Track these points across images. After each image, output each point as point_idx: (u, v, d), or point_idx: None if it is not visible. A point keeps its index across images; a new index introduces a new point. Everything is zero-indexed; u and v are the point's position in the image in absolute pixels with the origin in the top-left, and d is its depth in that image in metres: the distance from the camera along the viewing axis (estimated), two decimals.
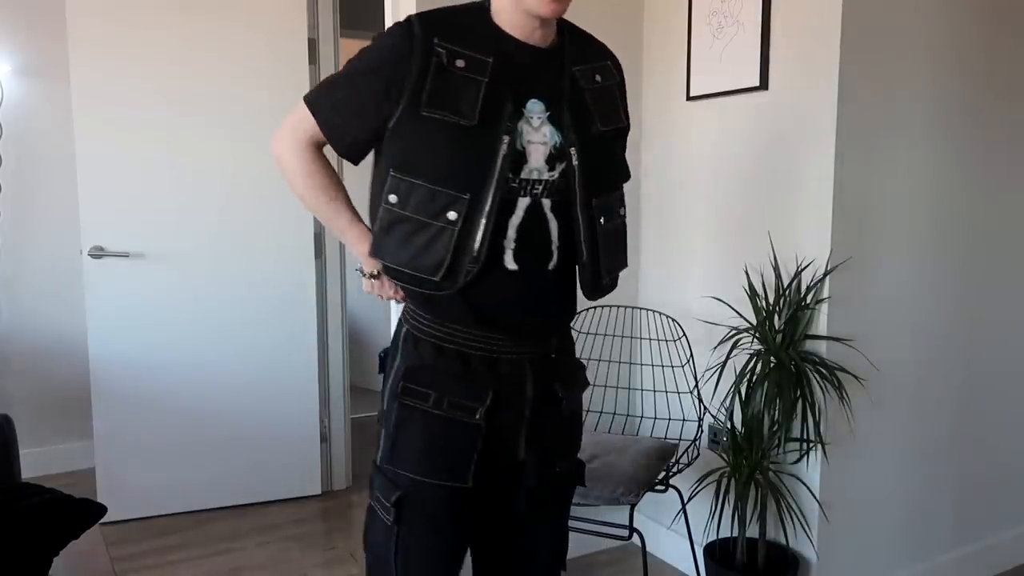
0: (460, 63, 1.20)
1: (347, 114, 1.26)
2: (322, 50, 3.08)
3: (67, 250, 3.31)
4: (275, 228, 3.00)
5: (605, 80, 1.34)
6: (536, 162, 1.22)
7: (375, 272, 1.33)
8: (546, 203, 1.24)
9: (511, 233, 1.23)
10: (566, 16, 1.29)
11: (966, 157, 2.32)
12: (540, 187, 1.23)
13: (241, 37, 2.89)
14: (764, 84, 2.20)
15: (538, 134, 1.22)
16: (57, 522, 1.46)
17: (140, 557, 2.65)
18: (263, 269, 3.01)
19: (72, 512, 1.49)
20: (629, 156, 2.69)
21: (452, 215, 1.18)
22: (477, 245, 1.19)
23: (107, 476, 2.87)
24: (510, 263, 1.23)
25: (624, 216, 1.39)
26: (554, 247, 1.26)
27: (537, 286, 1.27)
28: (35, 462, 3.25)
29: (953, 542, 2.48)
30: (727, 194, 2.37)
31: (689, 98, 2.46)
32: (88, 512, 1.51)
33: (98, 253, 2.80)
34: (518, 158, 1.21)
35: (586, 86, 1.29)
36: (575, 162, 1.24)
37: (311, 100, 1.31)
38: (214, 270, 2.95)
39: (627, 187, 2.91)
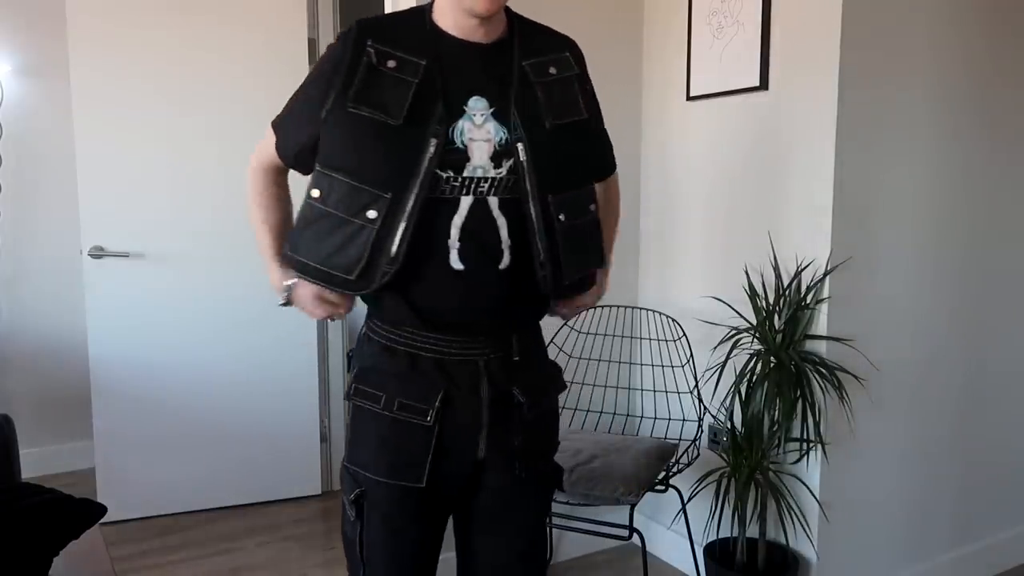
0: (391, 64, 1.20)
1: (294, 125, 1.30)
2: (322, 50, 3.07)
3: (67, 250, 3.31)
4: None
5: (561, 72, 1.29)
6: (479, 159, 1.19)
7: (288, 299, 1.31)
8: (493, 201, 1.20)
9: (454, 232, 1.20)
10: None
11: (966, 157, 2.32)
12: (486, 184, 1.20)
13: (241, 37, 2.89)
14: (764, 84, 2.21)
15: (481, 131, 1.20)
16: (57, 522, 1.46)
17: (140, 557, 2.65)
18: (263, 268, 3.00)
19: (72, 512, 1.49)
20: (630, 156, 2.71)
21: (372, 214, 1.17)
22: (395, 247, 1.17)
23: (107, 476, 2.87)
24: (455, 263, 1.20)
25: (594, 212, 1.33)
26: (504, 246, 1.22)
27: (487, 286, 1.23)
28: (35, 462, 3.25)
29: (953, 542, 2.48)
30: (727, 194, 2.37)
31: (689, 98, 2.46)
32: (88, 512, 1.51)
33: (98, 253, 2.80)
34: (459, 156, 1.19)
35: (537, 79, 1.25)
36: (523, 158, 1.20)
37: (275, 122, 1.34)
38: (214, 270, 2.95)
39: (628, 187, 2.91)
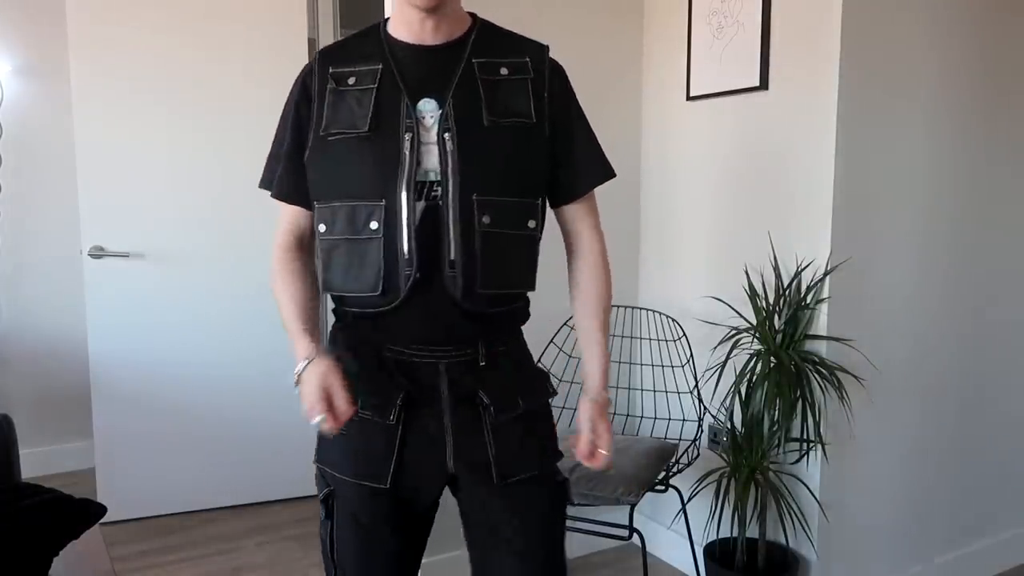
0: (351, 80, 1.21)
1: (275, 164, 1.29)
2: None
3: (67, 250, 3.31)
4: (275, 228, 3.00)
5: (513, 73, 1.23)
6: (430, 163, 1.17)
7: (300, 371, 1.19)
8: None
9: None
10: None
11: (967, 157, 2.32)
12: (439, 188, 1.17)
13: (241, 37, 2.89)
14: (764, 84, 2.20)
15: (430, 134, 1.17)
16: (57, 522, 1.46)
17: (140, 557, 2.65)
18: (263, 269, 2.97)
19: (72, 512, 1.50)
20: (630, 156, 2.70)
21: (374, 225, 1.16)
22: (407, 248, 1.15)
23: (107, 476, 2.87)
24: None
25: (534, 230, 1.24)
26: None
27: (441, 293, 1.18)
28: (35, 462, 3.25)
29: (953, 542, 2.48)
30: (727, 194, 2.37)
31: (689, 98, 2.46)
32: (88, 512, 1.51)
33: (98, 253, 2.80)
34: None
35: (483, 76, 1.21)
36: (448, 149, 1.16)
37: (262, 184, 1.33)
38: (214, 270, 2.95)
39: (628, 187, 2.89)
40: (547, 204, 1.30)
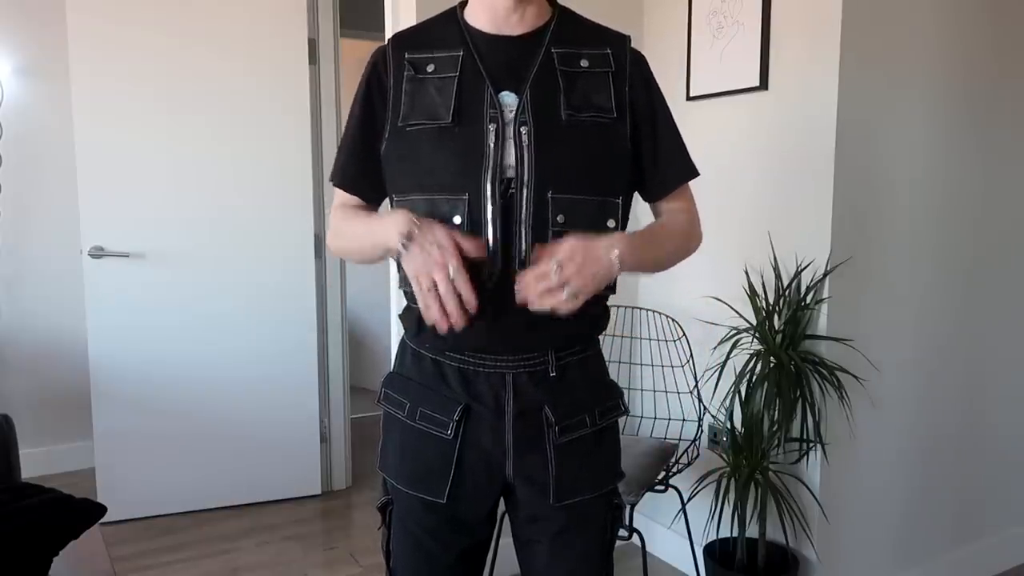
0: (430, 68, 1.16)
1: (345, 160, 1.25)
2: (322, 50, 3.08)
3: (67, 250, 3.31)
4: (275, 228, 3.01)
5: (593, 66, 1.17)
6: (508, 159, 1.12)
7: (412, 229, 1.07)
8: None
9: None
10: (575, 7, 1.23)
11: (967, 157, 2.32)
12: (514, 186, 1.12)
13: (241, 37, 2.89)
14: (764, 84, 2.21)
15: (509, 128, 1.12)
16: (57, 522, 1.46)
17: (140, 557, 2.65)
18: (263, 269, 3.01)
19: (72, 512, 1.49)
20: None
21: (457, 219, 1.10)
22: (491, 242, 1.09)
23: (107, 476, 2.87)
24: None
25: (613, 231, 1.18)
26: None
27: (511, 296, 1.10)
28: (35, 462, 3.25)
29: (953, 542, 2.48)
30: (727, 194, 2.37)
31: (689, 98, 2.46)
32: (88, 512, 1.51)
33: (98, 253, 2.80)
34: None
35: (562, 67, 1.15)
36: (524, 142, 1.11)
37: (332, 178, 1.29)
38: (214, 270, 2.95)
39: None
40: (630, 203, 1.25)
